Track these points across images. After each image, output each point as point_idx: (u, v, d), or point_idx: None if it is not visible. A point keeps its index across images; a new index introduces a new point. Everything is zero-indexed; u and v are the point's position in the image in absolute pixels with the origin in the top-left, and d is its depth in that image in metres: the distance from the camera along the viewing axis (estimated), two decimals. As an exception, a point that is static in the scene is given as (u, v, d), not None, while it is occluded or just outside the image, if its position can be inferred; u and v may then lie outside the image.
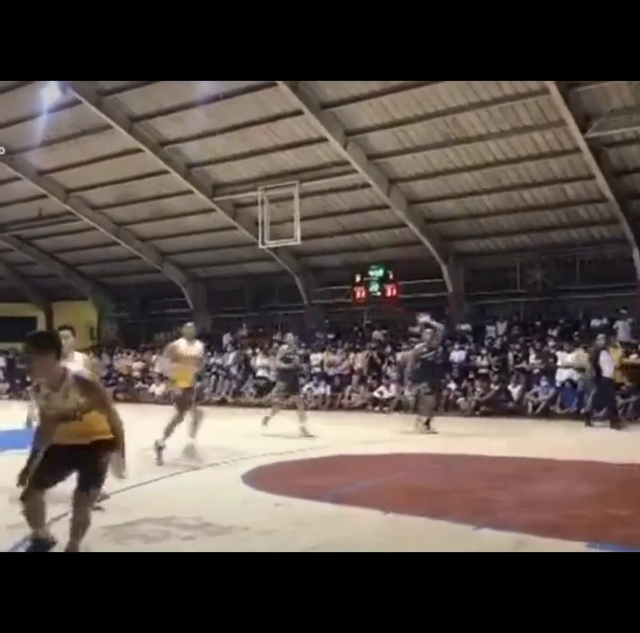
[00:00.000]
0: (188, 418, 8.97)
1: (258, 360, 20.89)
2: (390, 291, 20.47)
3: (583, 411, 14.02)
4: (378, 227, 20.23)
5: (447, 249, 19.83)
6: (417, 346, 13.14)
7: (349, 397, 18.34)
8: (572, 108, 14.30)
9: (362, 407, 17.77)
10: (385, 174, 18.16)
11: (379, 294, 20.61)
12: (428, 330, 12.87)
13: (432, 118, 16.02)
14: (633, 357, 15.22)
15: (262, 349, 21.16)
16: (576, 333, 17.33)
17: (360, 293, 20.97)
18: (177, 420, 8.87)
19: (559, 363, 15.97)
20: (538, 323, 18.75)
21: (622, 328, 16.80)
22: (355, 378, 18.62)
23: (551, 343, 17.01)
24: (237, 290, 24.05)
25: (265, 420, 12.20)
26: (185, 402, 8.98)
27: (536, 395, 15.75)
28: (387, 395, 17.64)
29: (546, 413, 15.16)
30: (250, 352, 21.64)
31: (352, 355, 19.60)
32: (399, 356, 17.81)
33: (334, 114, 16.65)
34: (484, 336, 19.08)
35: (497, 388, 16.15)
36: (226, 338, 23.19)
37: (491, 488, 7.15)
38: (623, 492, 7.00)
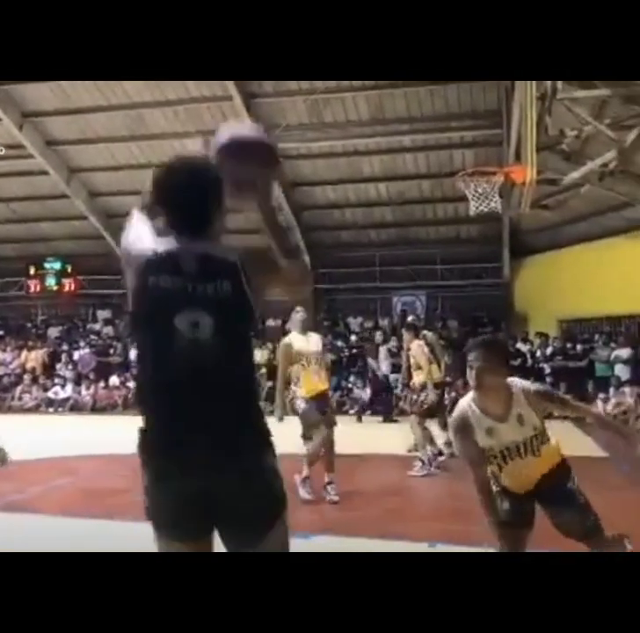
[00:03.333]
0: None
1: None
2: (69, 286, 19.56)
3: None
4: (56, 217, 19.14)
5: (130, 245, 19.51)
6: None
7: (20, 398, 17.06)
8: (254, 118, 15.04)
9: (36, 409, 16.68)
10: (65, 162, 17.28)
11: (56, 288, 19.56)
12: None
13: (117, 110, 15.67)
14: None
15: None
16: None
17: (34, 286, 19.67)
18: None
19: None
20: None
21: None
22: (27, 378, 17.37)
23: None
24: None
25: None
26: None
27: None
28: (62, 395, 16.80)
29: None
30: None
31: (24, 353, 18.27)
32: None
33: (7, 92, 15.38)
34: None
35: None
36: None
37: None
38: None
